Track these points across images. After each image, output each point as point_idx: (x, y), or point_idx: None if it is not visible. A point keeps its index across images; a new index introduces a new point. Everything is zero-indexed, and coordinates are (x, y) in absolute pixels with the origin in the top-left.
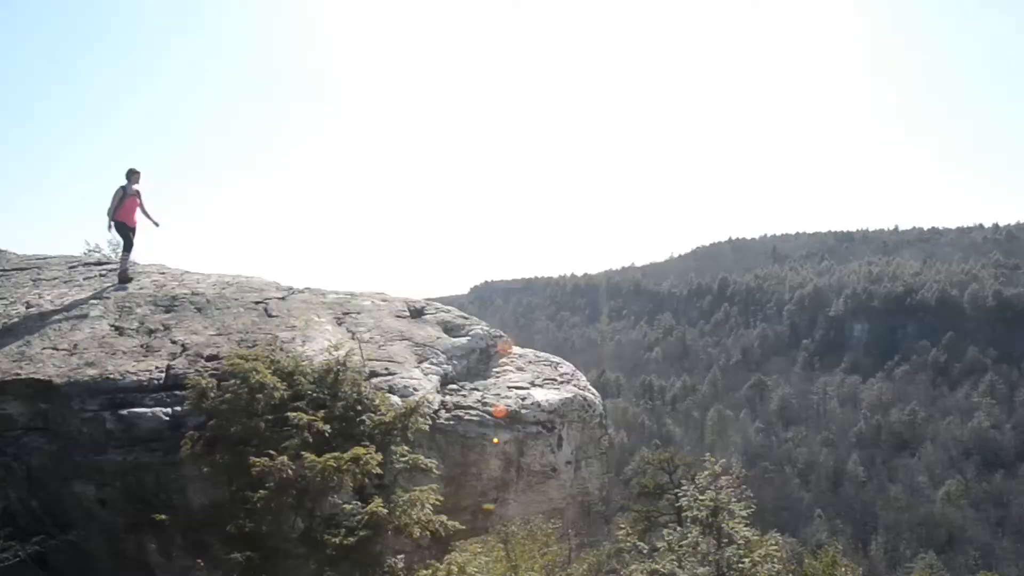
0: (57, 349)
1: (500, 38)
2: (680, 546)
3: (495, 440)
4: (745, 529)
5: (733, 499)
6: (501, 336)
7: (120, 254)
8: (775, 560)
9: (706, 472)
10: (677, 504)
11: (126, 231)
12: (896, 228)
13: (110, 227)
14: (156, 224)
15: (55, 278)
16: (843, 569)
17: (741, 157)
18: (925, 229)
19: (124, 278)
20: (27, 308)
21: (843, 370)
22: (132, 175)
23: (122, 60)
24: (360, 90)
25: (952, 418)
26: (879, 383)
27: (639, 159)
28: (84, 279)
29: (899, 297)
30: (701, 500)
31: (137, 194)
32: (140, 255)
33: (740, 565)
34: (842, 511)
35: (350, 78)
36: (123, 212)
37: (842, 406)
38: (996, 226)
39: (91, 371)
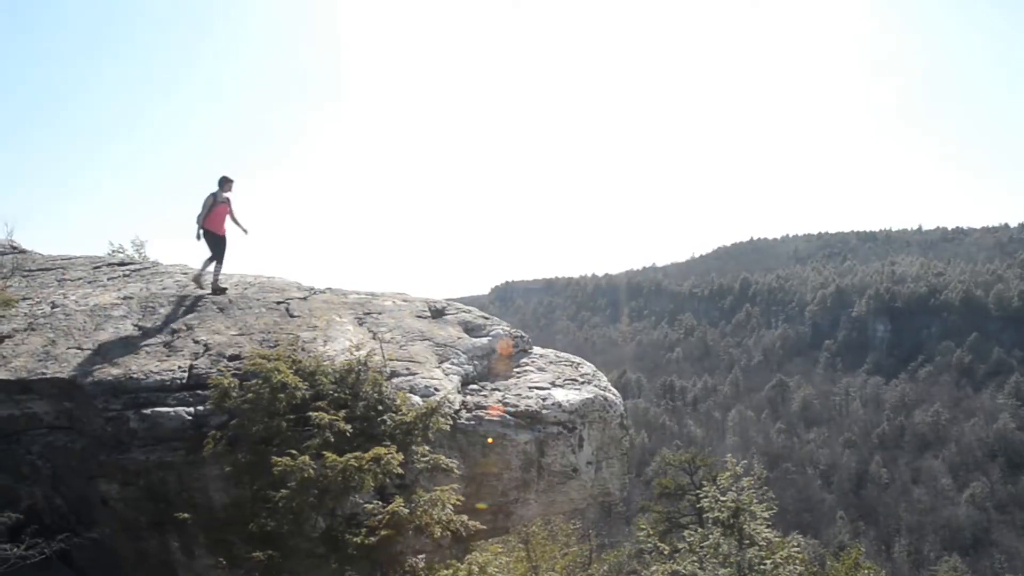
0: (81, 349)
1: (519, 40)
2: (701, 547)
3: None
4: (766, 530)
5: (754, 500)
6: (522, 336)
7: (207, 264)
8: (797, 562)
9: (727, 473)
10: (698, 505)
11: (215, 240)
12: (920, 228)
13: (199, 236)
14: (245, 232)
15: (80, 278)
16: (866, 571)
17: (763, 157)
18: (949, 229)
19: (217, 290)
20: (52, 308)
21: (866, 371)
22: (224, 183)
23: (145, 64)
24: (380, 92)
25: (977, 420)
26: (902, 384)
27: (660, 160)
28: (108, 279)
29: (923, 297)
30: (722, 501)
31: (227, 202)
32: (164, 257)
33: (762, 567)
34: (865, 513)
35: (370, 81)
36: (212, 220)
37: (864, 407)
38: (1022, 226)
39: (115, 370)
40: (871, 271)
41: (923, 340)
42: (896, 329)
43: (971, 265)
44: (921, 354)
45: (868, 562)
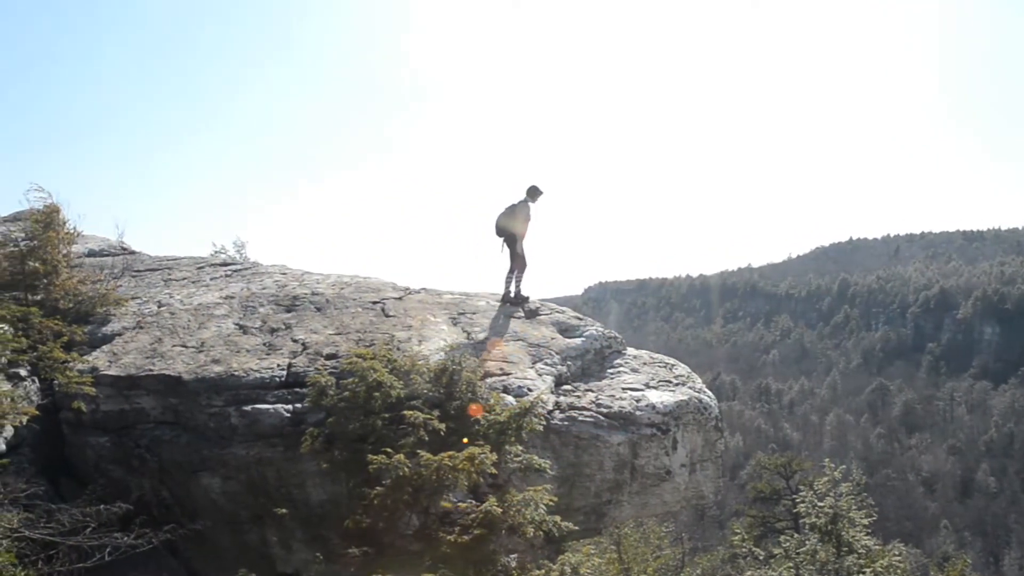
0: (186, 347)
1: (609, 41)
2: (798, 553)
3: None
4: (866, 538)
5: (853, 507)
6: (615, 336)
7: (512, 275)
8: (898, 571)
9: (825, 478)
10: (794, 510)
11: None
12: None
13: (518, 246)
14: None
15: (184, 278)
16: None
17: (862, 154)
18: None
19: (520, 299)
20: (159, 307)
21: (972, 375)
22: (536, 193)
23: (237, 61)
24: (469, 91)
25: None
26: (1012, 389)
27: (756, 158)
28: (211, 279)
29: None
30: (820, 507)
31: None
32: (263, 256)
33: (860, 575)
34: (971, 523)
35: (459, 79)
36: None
37: (970, 413)
38: None
39: (217, 368)
40: (978, 272)
41: None
42: (1005, 332)
43: None
44: None
45: (975, 574)
